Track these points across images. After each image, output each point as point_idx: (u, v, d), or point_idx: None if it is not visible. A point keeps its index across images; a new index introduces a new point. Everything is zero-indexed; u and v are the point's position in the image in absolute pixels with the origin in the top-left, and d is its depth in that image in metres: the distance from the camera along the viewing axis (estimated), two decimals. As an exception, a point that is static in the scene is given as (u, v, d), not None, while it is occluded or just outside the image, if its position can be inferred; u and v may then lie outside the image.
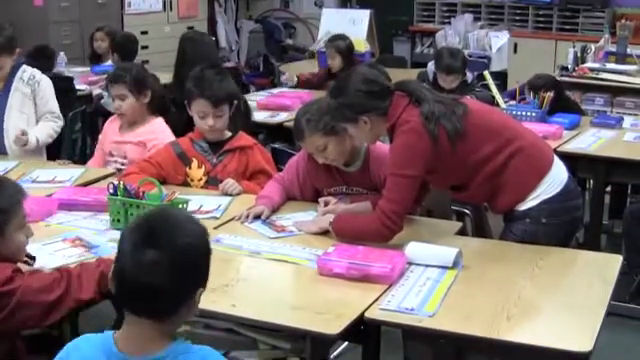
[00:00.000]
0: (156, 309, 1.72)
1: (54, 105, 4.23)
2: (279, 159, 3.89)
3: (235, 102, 3.49)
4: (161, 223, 1.74)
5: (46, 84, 4.20)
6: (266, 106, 5.26)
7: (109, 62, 6.40)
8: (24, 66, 4.19)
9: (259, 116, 5.07)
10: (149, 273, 1.67)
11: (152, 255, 1.67)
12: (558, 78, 5.53)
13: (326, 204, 3.05)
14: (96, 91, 5.82)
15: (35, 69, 4.23)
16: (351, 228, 2.82)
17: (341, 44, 6.06)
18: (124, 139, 3.83)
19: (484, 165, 2.82)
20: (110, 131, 3.93)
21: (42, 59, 5.35)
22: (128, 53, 6.18)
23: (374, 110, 2.79)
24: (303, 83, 6.21)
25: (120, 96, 3.78)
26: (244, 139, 3.53)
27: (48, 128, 4.18)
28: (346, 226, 2.83)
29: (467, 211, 3.89)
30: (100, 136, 4.06)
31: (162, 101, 3.94)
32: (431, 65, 5.41)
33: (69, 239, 2.81)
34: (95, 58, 6.75)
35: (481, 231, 3.91)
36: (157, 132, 3.78)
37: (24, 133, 4.01)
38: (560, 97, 4.93)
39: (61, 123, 4.28)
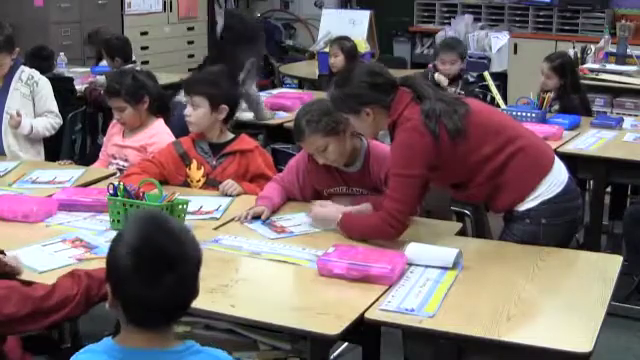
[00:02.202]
0: (177, 319, 1.74)
1: (52, 105, 4.23)
2: (279, 160, 3.89)
3: (224, 106, 3.45)
4: (164, 241, 1.67)
5: (44, 84, 4.21)
6: (266, 106, 5.26)
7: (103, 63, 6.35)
8: (22, 66, 4.19)
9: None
10: (175, 295, 1.67)
11: (172, 279, 1.65)
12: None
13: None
14: (85, 85, 5.80)
15: (33, 69, 4.23)
16: (358, 228, 2.83)
17: (346, 43, 6.06)
18: (125, 143, 3.83)
19: (484, 164, 2.82)
20: (112, 135, 3.93)
21: (40, 60, 5.35)
22: (127, 55, 6.11)
23: (377, 102, 2.80)
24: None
25: (118, 108, 3.77)
26: (245, 142, 3.53)
27: (45, 122, 4.17)
28: (353, 226, 2.85)
29: (467, 212, 3.90)
30: (104, 139, 4.07)
31: (162, 101, 3.93)
32: (431, 66, 5.42)
33: (69, 239, 2.81)
34: (100, 58, 6.72)
35: (481, 232, 3.91)
36: (157, 135, 3.78)
37: (19, 114, 4.01)
38: (574, 79, 4.99)
39: (60, 121, 4.27)
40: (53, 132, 4.27)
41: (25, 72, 4.16)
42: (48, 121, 4.20)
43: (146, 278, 1.64)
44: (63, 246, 2.75)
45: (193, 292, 1.72)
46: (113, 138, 3.90)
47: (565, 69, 4.96)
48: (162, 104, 3.92)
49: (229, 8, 6.11)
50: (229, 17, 5.31)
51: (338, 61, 5.99)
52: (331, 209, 2.95)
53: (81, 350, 1.74)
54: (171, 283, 1.64)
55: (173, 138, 3.70)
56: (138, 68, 6.02)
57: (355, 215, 2.91)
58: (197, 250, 1.73)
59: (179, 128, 3.79)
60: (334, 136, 3.00)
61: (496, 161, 2.82)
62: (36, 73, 4.20)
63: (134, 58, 6.24)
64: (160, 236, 1.68)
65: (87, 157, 5.26)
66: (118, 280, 1.69)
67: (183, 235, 1.72)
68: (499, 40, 8.61)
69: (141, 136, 3.80)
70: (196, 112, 3.42)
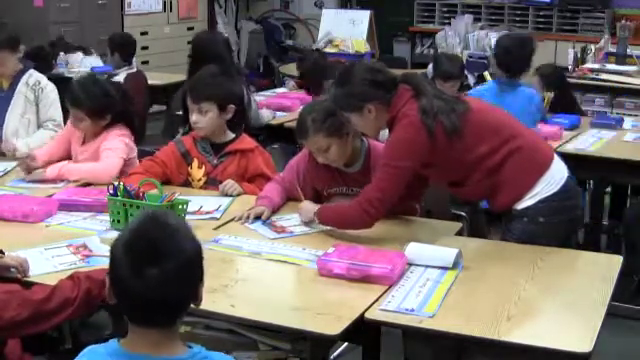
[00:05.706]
0: (170, 318, 1.72)
1: (56, 113, 4.14)
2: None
3: (232, 106, 3.45)
4: (157, 234, 1.68)
5: (50, 91, 4.11)
6: (266, 107, 5.27)
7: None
8: (31, 70, 4.13)
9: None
10: (159, 289, 1.65)
11: (158, 271, 1.63)
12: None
13: None
14: None
15: (42, 75, 4.17)
16: (333, 214, 2.88)
17: (303, 66, 5.99)
18: (84, 149, 3.69)
19: (482, 162, 2.83)
20: (74, 138, 3.76)
21: (39, 60, 5.33)
22: (128, 53, 6.11)
23: (378, 99, 2.82)
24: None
25: (77, 118, 3.61)
26: (245, 142, 3.52)
27: (43, 137, 4.04)
28: (329, 213, 2.89)
29: (463, 214, 3.89)
30: (66, 126, 3.89)
31: (126, 116, 3.71)
32: (430, 68, 5.41)
33: (74, 245, 2.75)
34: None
35: (475, 232, 3.89)
36: (109, 139, 3.63)
37: (7, 141, 3.91)
38: (565, 93, 4.97)
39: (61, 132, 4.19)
40: None
41: (32, 77, 4.09)
42: (48, 135, 4.05)
43: (132, 267, 1.65)
44: (66, 251, 2.70)
45: (181, 290, 1.70)
46: (74, 143, 3.74)
47: (562, 84, 4.95)
48: (125, 119, 3.71)
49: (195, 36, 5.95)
50: (194, 42, 5.16)
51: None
52: (309, 203, 2.98)
53: (85, 350, 1.73)
54: (154, 276, 1.63)
55: (125, 140, 3.62)
56: (134, 69, 6.01)
57: (332, 204, 2.95)
58: (190, 246, 1.71)
59: None
60: (337, 137, 3.00)
61: (493, 160, 2.82)
62: (43, 79, 4.13)
63: (135, 59, 6.23)
64: (153, 228, 1.69)
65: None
66: (113, 270, 1.70)
67: (176, 229, 1.70)
68: (499, 40, 8.60)
69: (97, 144, 3.64)
70: (205, 118, 3.40)
